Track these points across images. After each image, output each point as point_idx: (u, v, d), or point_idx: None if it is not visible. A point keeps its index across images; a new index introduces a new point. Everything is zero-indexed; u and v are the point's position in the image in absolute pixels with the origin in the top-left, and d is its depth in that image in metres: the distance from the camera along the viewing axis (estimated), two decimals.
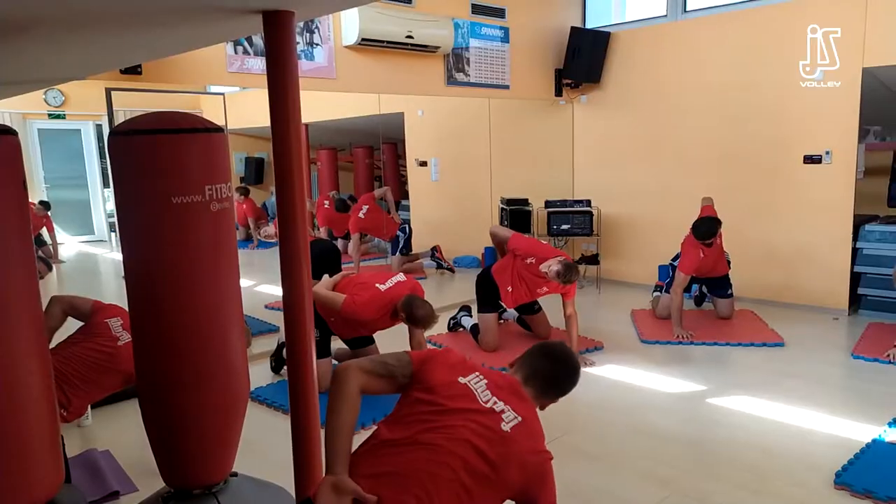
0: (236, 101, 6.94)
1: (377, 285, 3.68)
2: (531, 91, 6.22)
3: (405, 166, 8.18)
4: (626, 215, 6.33)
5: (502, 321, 4.85)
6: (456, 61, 5.48)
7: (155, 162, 1.98)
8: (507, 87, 5.91)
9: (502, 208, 6.48)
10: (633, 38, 6.09)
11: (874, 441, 2.96)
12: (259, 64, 4.27)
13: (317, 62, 4.62)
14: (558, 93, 6.37)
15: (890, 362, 4.00)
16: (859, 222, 5.18)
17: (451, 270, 7.13)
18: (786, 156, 5.27)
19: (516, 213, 6.29)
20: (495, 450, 1.63)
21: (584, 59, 6.09)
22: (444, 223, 7.67)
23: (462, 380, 1.74)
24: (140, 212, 2.02)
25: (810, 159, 5.14)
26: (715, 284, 5.12)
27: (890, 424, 3.12)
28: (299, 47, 4.49)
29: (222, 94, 4.85)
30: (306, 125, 7.02)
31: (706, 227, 4.71)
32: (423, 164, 7.70)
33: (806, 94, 5.07)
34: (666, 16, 5.99)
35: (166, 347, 2.07)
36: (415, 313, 3.53)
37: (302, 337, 2.03)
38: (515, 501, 1.69)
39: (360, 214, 7.17)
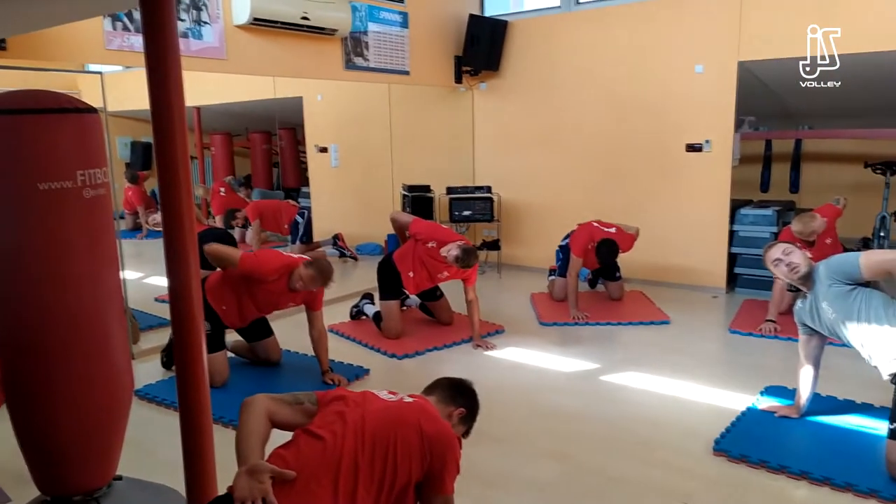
0: (121, 82, 6.48)
1: (279, 250, 3.67)
2: (431, 77, 6.22)
3: (305, 152, 7.97)
4: (525, 201, 6.48)
5: (405, 308, 4.85)
6: (354, 45, 5.38)
7: (18, 145, 1.80)
8: (406, 72, 5.87)
9: (404, 195, 6.46)
10: (529, 27, 6.21)
11: (748, 409, 3.20)
12: (141, 42, 4.01)
13: (205, 42, 4.39)
14: (458, 80, 6.41)
15: (762, 336, 4.34)
16: (735, 207, 5.57)
17: (354, 258, 7.05)
18: (670, 144, 5.56)
19: (418, 200, 6.29)
20: (395, 413, 1.73)
21: (482, 47, 6.15)
22: (346, 210, 7.56)
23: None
24: (1, 200, 1.84)
25: (692, 148, 5.46)
26: (605, 268, 5.35)
27: (762, 393, 3.39)
28: (185, 25, 4.25)
29: (100, 73, 4.52)
30: (198, 108, 6.68)
31: (606, 252, 4.83)
32: (324, 150, 7.54)
33: (688, 85, 5.38)
34: (560, 7, 6.15)
35: (36, 347, 1.91)
36: (321, 263, 3.52)
37: (190, 329, 1.93)
38: (422, 477, 1.72)
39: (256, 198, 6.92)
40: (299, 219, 6.95)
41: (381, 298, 4.54)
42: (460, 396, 1.97)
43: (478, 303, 4.34)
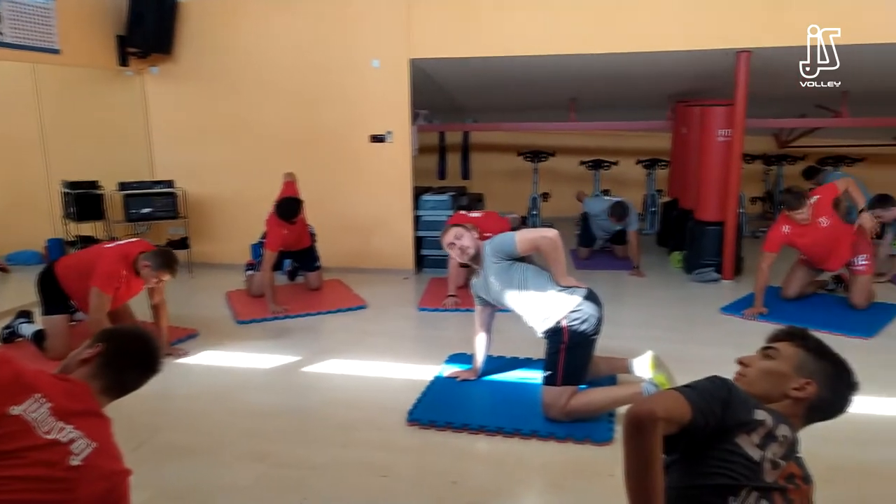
0: None
1: None
2: (89, 58, 5.47)
3: None
4: (214, 195, 6.13)
5: (74, 322, 4.22)
6: None
7: None
8: (56, 51, 5.06)
9: (66, 192, 5.60)
10: (203, 9, 5.83)
11: (436, 378, 3.49)
12: None
13: None
14: (123, 62, 5.74)
15: (446, 310, 4.77)
16: (418, 193, 6.02)
17: (4, 270, 5.91)
18: (356, 135, 5.76)
19: (83, 198, 5.51)
20: (62, 488, 1.41)
21: (149, 27, 5.59)
22: None
23: (15, 410, 1.40)
24: None
25: (376, 139, 5.73)
26: (304, 259, 5.36)
27: (446, 361, 3.73)
28: None
29: None
30: None
31: (288, 208, 4.88)
32: None
33: (367, 79, 5.62)
34: None
35: None
36: None
37: None
38: None
39: None
40: None
41: (46, 314, 3.89)
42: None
43: (165, 306, 3.98)
